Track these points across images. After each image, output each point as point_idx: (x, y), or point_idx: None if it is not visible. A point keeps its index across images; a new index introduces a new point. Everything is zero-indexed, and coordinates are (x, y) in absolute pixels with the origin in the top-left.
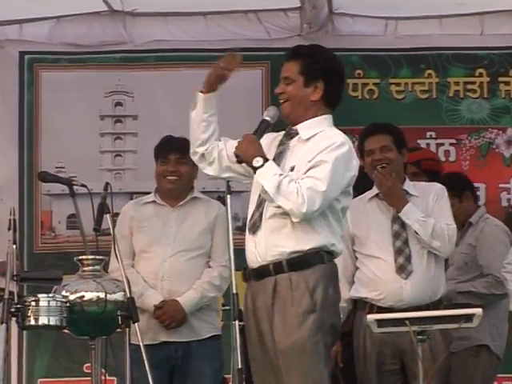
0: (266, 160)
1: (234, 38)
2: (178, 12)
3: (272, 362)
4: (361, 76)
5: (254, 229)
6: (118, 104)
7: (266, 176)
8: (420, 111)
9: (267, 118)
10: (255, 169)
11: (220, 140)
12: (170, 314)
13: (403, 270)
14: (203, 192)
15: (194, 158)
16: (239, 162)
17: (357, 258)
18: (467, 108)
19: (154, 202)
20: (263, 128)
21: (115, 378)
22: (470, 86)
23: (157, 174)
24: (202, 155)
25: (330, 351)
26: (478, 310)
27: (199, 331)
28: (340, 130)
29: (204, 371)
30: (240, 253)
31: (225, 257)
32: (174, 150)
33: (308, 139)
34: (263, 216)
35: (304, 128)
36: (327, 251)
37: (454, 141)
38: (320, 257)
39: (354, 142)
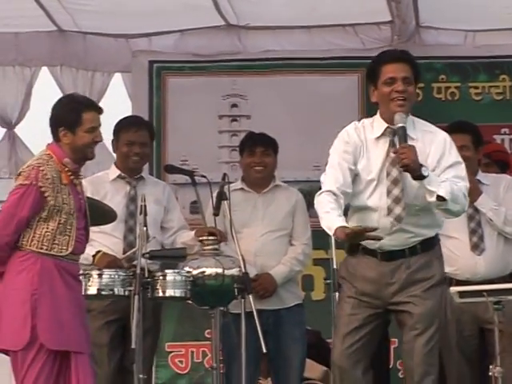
0: (427, 168)
1: (334, 48)
2: (286, 26)
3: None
4: (444, 80)
5: (401, 221)
6: (234, 105)
7: (435, 183)
8: (495, 111)
9: (402, 125)
10: (424, 177)
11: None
12: (264, 286)
13: (477, 247)
14: (306, 181)
15: None
16: (405, 170)
17: None
18: None
19: (242, 189)
20: (405, 134)
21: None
22: None
23: (244, 164)
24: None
25: None
26: None
27: (286, 300)
28: None
29: (294, 335)
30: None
31: (305, 236)
32: (259, 143)
33: (416, 137)
34: (406, 211)
35: (409, 126)
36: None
37: None
38: (437, 238)
39: None
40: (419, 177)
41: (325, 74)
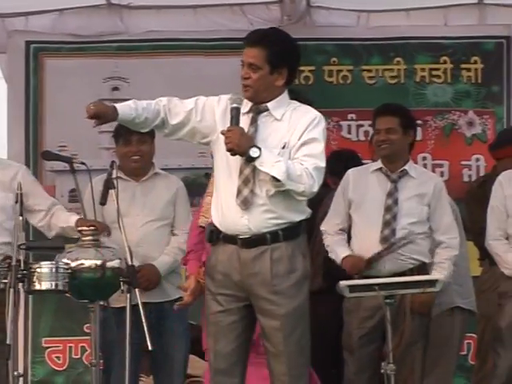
0: (259, 148)
1: (220, 28)
2: (170, 5)
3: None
4: (336, 63)
5: (247, 205)
6: (115, 89)
7: (269, 164)
8: (389, 95)
9: (236, 106)
10: (253, 159)
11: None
12: (147, 278)
13: (386, 241)
14: (191, 169)
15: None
16: (233, 154)
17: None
18: (432, 92)
19: (119, 177)
20: (238, 116)
21: None
22: (435, 72)
23: (120, 154)
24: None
25: None
26: (442, 276)
27: (169, 293)
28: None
29: (177, 329)
30: None
31: (187, 225)
32: (135, 131)
33: (281, 118)
34: (256, 192)
35: (274, 107)
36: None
37: (420, 122)
38: (303, 227)
39: (329, 124)
40: (248, 159)
41: (210, 56)
